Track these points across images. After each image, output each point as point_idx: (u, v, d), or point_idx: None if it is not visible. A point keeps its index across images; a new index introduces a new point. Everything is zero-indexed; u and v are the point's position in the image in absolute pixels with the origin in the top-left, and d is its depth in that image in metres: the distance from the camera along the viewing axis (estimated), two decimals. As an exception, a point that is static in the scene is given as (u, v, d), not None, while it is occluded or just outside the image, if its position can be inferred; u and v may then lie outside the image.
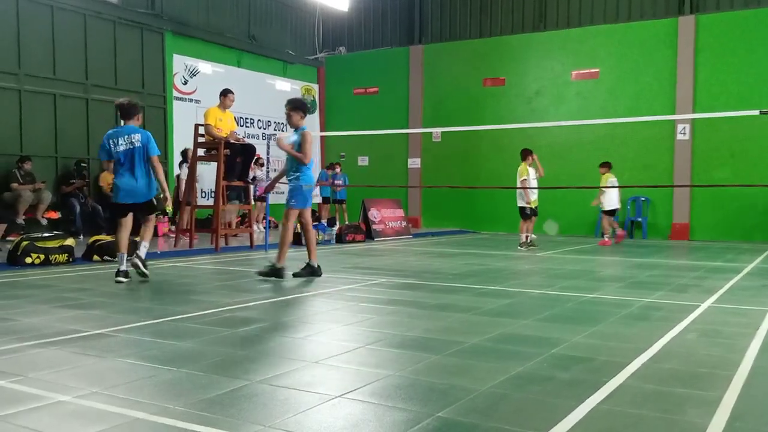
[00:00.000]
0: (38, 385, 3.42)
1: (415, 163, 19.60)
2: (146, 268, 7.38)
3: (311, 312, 5.75)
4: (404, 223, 15.90)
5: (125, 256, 7.38)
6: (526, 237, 12.50)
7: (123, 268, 7.33)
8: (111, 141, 7.37)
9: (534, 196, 12.61)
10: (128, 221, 7.54)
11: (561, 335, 4.70)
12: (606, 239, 13.68)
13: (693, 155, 15.93)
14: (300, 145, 7.76)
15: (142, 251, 7.46)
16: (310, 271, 7.94)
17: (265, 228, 12.43)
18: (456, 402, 3.18)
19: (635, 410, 3.10)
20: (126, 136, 7.36)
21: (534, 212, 12.72)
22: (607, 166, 13.72)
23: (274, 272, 7.58)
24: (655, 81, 16.38)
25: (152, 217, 7.71)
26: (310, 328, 5.02)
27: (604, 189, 13.41)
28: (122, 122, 7.71)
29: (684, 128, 15.95)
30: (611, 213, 13.82)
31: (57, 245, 9.01)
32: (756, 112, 8.18)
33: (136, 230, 7.76)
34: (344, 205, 18.18)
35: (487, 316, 5.50)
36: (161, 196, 7.64)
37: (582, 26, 17.48)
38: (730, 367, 3.86)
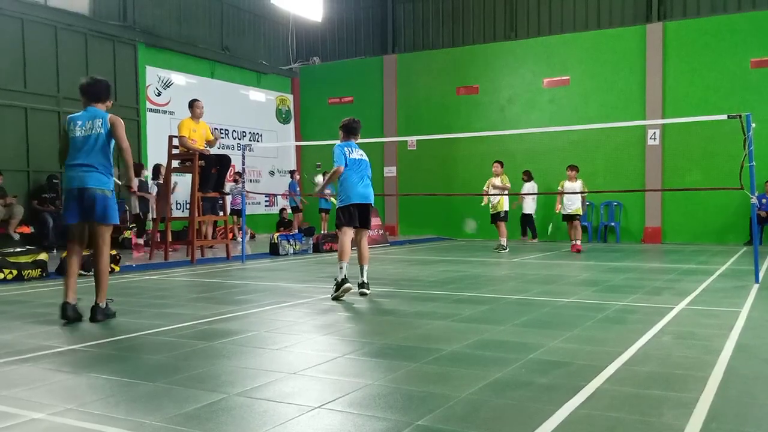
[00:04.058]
0: (11, 403, 3.36)
1: (391, 171, 19.64)
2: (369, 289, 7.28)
3: (288, 323, 5.72)
4: (381, 232, 15.91)
5: (347, 264, 7.14)
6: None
7: (343, 276, 7.03)
8: (347, 148, 7.42)
9: (494, 201, 13.70)
10: (351, 230, 7.33)
11: (538, 340, 4.73)
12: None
13: (663, 159, 16.16)
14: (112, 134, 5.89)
15: (366, 276, 7.27)
16: (105, 313, 5.80)
17: (242, 239, 12.34)
18: (435, 410, 3.19)
19: (613, 413, 3.13)
20: (358, 149, 7.51)
21: (495, 218, 13.75)
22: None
23: (109, 314, 5.84)
24: (625, 87, 16.60)
25: (367, 234, 7.52)
26: (288, 339, 5.00)
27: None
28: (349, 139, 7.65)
29: (654, 133, 16.18)
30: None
31: (30, 260, 8.88)
32: (724, 117, 8.30)
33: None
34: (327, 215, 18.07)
35: (465, 323, 5.51)
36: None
37: (552, 34, 17.69)
38: (705, 369, 3.92)
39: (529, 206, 16.52)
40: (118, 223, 5.90)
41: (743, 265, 10.20)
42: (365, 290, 7.20)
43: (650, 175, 16.21)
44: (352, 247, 7.34)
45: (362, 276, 7.25)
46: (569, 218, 13.39)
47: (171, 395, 3.49)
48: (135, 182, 6.02)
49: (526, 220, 16.70)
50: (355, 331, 5.41)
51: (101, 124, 5.78)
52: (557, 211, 13.54)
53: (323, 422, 3.07)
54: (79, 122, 5.82)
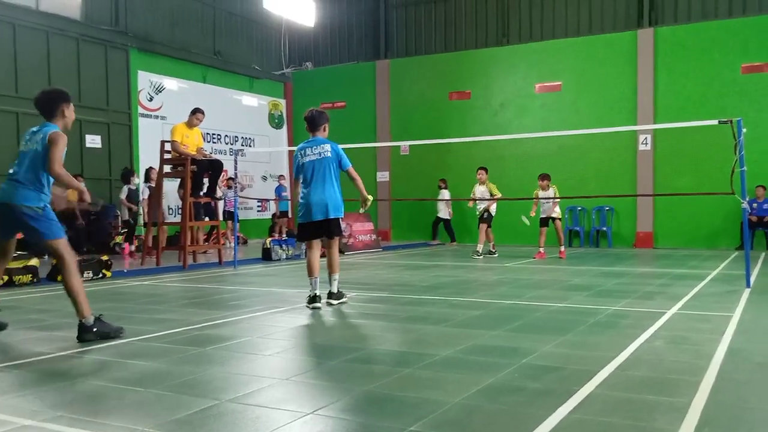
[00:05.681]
0: (2, 410, 3.33)
1: (383, 176, 19.64)
2: (337, 299, 6.81)
3: (280, 328, 5.70)
4: (374, 237, 15.90)
5: (318, 280, 6.69)
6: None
7: (317, 292, 6.65)
8: (300, 153, 6.81)
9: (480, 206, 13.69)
10: (318, 242, 6.82)
11: (531, 345, 4.74)
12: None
13: (655, 164, 16.22)
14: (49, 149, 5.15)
15: (334, 286, 6.81)
16: (98, 333, 5.14)
17: (234, 244, 12.31)
18: (428, 415, 3.18)
19: (606, 418, 3.13)
20: (315, 147, 6.76)
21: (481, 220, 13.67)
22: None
23: (102, 333, 5.16)
24: (617, 93, 16.68)
25: (336, 241, 6.85)
26: (280, 345, 4.98)
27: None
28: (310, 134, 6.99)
29: (645, 138, 16.25)
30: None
31: (21, 266, 8.83)
32: (715, 122, 8.34)
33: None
34: None
35: (458, 328, 5.51)
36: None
37: (544, 40, 17.76)
38: (697, 373, 3.92)
39: (444, 212, 17.46)
40: (64, 236, 5.34)
41: (734, 269, 10.24)
42: (331, 301, 6.76)
43: (642, 180, 16.27)
44: (322, 256, 6.87)
45: (331, 286, 6.82)
46: (545, 222, 12.99)
47: (162, 401, 3.47)
48: (86, 195, 5.55)
49: (443, 224, 17.52)
50: (348, 336, 5.40)
51: (41, 139, 5.16)
52: (532, 215, 13.10)
53: (316, 428, 3.06)
54: (26, 136, 5.34)
